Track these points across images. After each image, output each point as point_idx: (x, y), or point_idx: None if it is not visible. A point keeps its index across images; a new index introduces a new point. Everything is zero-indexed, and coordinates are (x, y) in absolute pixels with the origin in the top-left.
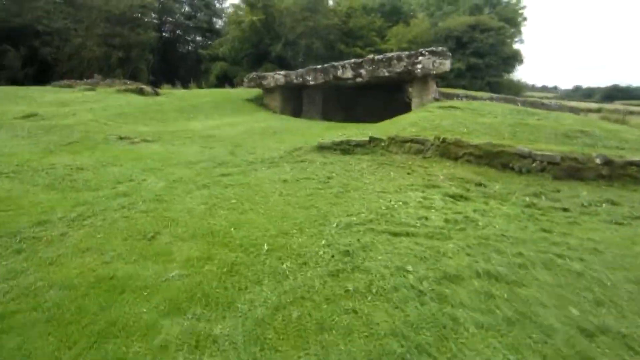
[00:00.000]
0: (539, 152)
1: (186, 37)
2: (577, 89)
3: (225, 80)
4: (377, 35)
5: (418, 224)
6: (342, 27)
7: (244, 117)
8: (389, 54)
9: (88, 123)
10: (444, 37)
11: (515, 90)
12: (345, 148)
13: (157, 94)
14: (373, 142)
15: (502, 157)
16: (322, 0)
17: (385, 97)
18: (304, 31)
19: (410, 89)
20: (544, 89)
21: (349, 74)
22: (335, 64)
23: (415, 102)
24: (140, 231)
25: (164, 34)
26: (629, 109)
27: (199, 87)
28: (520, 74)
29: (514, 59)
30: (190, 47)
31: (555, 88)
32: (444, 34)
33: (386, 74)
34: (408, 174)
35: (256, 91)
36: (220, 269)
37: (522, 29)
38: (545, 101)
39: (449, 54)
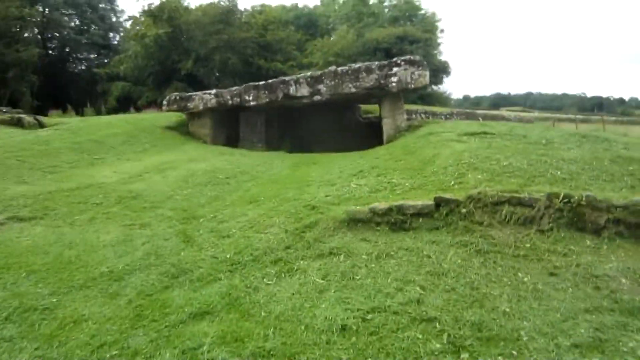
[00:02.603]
0: None
1: (78, 55)
2: (467, 98)
3: (129, 102)
4: (297, 49)
5: None
6: (259, 40)
7: (171, 153)
8: (356, 65)
9: None
10: (373, 48)
11: (444, 103)
12: (398, 220)
13: (41, 125)
14: (444, 207)
15: None
16: (235, 12)
17: (335, 116)
18: (218, 45)
19: (361, 107)
20: None
21: (304, 91)
22: (287, 78)
23: (387, 123)
24: None
25: (50, 51)
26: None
27: (98, 112)
28: (446, 86)
29: (442, 70)
30: (83, 66)
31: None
32: (372, 45)
33: (352, 90)
34: (554, 274)
35: (176, 116)
36: None
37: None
38: (505, 114)
39: (426, 63)
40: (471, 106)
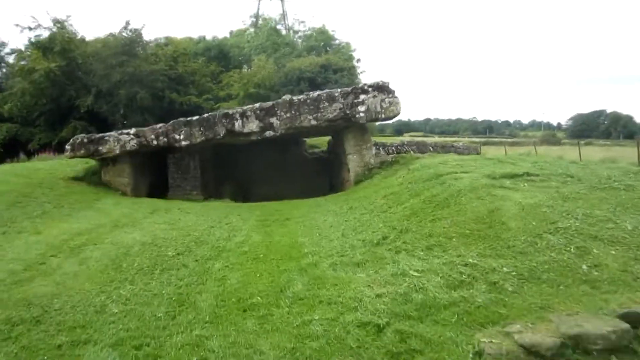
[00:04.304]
0: None
1: None
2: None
3: (17, 147)
4: (211, 80)
5: None
6: (169, 73)
7: (85, 216)
8: (315, 93)
9: None
10: (297, 78)
11: (372, 132)
12: None
13: None
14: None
15: None
16: (139, 43)
17: (278, 153)
18: (122, 79)
19: (306, 140)
20: None
21: (252, 125)
22: (230, 111)
23: (353, 160)
24: None
25: None
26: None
27: None
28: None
29: None
30: None
31: None
32: (295, 74)
33: (313, 122)
34: None
35: (83, 162)
36: None
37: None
38: (454, 143)
39: (394, 89)
40: (377, 133)
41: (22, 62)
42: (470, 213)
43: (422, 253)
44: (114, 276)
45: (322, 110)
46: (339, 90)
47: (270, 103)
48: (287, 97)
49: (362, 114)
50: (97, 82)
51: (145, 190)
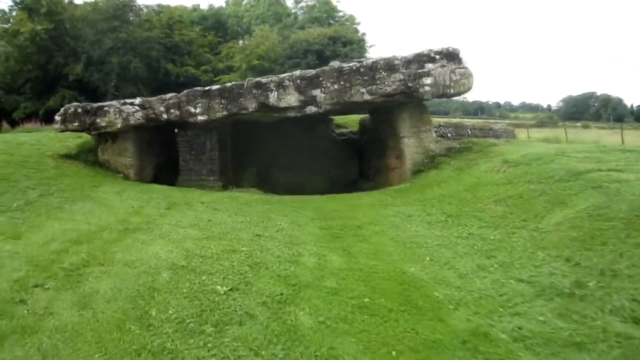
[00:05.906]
0: None
1: None
2: None
3: (0, 115)
4: (209, 51)
5: None
6: (165, 41)
7: (81, 210)
8: (369, 60)
9: None
10: (303, 50)
11: None
12: None
13: None
14: None
15: None
16: (132, 8)
17: (303, 132)
18: (115, 46)
19: (333, 119)
20: None
21: (291, 99)
22: (263, 80)
23: (410, 145)
24: None
25: None
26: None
27: None
28: None
29: None
30: None
31: None
32: (302, 47)
33: (367, 97)
34: None
35: (76, 137)
36: None
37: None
38: (494, 126)
39: (463, 57)
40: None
41: (7, 25)
42: None
43: None
44: (141, 339)
45: (378, 81)
46: (400, 57)
47: (313, 71)
48: (335, 63)
49: (427, 88)
50: (87, 48)
51: (151, 174)
